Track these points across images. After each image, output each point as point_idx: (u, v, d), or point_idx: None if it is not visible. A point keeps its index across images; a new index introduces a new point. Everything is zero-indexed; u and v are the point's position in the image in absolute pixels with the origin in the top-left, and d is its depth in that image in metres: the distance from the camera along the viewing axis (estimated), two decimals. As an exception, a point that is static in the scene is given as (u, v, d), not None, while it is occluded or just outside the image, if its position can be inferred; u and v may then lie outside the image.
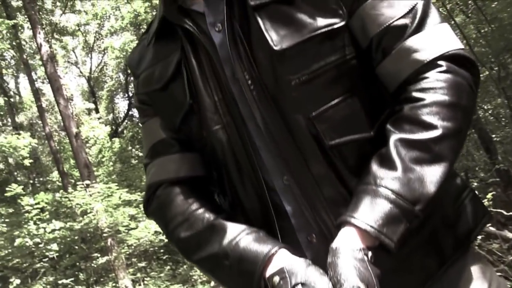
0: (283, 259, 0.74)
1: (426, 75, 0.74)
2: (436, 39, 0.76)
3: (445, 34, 0.77)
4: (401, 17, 0.77)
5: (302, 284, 0.67)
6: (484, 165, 7.25)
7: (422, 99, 0.73)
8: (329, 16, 0.79)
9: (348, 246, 0.67)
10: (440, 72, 0.74)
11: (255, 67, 0.80)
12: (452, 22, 6.50)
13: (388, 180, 0.70)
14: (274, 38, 0.78)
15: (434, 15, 0.78)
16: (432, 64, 0.75)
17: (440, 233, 0.83)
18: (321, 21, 0.78)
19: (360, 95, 0.81)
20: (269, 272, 0.73)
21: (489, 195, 3.75)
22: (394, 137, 0.73)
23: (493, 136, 7.31)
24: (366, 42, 0.80)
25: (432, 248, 0.82)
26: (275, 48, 0.78)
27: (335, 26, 0.78)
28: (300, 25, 0.78)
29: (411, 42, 0.76)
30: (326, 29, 0.78)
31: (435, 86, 0.73)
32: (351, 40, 0.80)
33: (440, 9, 6.53)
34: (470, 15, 7.37)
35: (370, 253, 0.68)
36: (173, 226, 0.88)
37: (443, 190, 0.70)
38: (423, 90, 0.74)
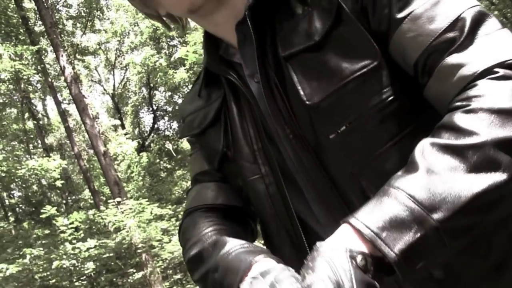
0: (263, 266, 0.66)
1: (476, 83, 0.61)
2: (491, 48, 0.62)
3: (503, 41, 0.63)
4: (444, 30, 0.64)
5: (270, 285, 0.58)
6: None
7: (466, 105, 0.60)
8: (360, 57, 0.69)
9: (330, 245, 0.56)
10: (494, 78, 0.60)
11: (295, 119, 0.74)
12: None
13: (403, 180, 0.58)
14: (307, 91, 0.72)
15: (489, 23, 0.64)
16: (484, 73, 0.61)
17: None
18: (352, 66, 0.69)
19: (411, 136, 0.70)
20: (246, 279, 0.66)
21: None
22: (424, 141, 0.61)
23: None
24: (412, 71, 0.69)
25: None
26: (307, 102, 0.71)
27: (368, 68, 0.69)
28: (331, 73, 0.70)
29: (459, 56, 0.63)
30: (358, 73, 0.69)
31: (484, 93, 0.59)
32: (390, 78, 0.70)
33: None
34: (494, 1, 7.15)
35: (360, 257, 0.55)
36: (187, 248, 0.85)
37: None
38: (468, 98, 0.60)
